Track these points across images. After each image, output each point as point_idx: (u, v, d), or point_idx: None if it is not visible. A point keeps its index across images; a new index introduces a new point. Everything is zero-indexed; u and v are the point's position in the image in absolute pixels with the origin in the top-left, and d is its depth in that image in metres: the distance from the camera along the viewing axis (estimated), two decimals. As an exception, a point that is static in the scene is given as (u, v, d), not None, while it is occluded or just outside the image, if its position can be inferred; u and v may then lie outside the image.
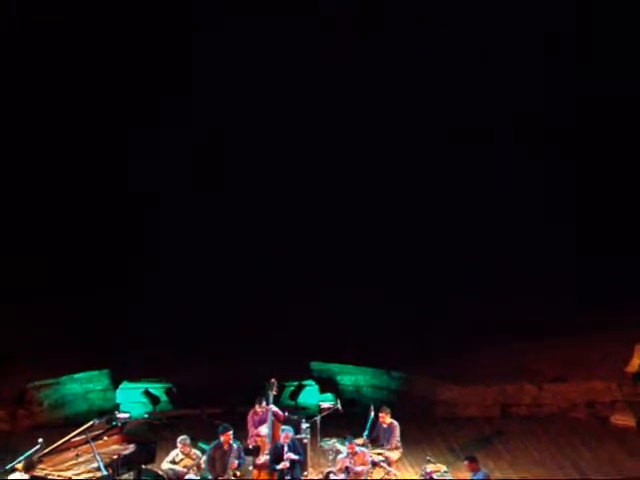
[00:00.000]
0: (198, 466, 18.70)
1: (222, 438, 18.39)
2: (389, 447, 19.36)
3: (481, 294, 27.74)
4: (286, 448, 18.38)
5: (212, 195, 29.31)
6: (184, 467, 18.67)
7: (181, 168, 29.19)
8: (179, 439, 18.95)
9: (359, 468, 18.16)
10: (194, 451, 18.90)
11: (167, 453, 19.13)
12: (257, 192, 29.39)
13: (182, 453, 18.81)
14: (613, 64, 28.94)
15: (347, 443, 18.40)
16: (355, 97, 29.14)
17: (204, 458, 18.68)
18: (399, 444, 19.57)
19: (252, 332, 25.97)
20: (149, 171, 28.73)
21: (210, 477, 18.37)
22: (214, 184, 29.31)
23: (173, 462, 18.76)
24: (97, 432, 18.83)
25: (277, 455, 18.44)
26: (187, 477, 18.54)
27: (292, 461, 18.32)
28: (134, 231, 28.89)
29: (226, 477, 18.09)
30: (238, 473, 18.31)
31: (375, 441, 19.51)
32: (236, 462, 18.24)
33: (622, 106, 29.01)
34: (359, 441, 18.99)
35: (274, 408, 19.62)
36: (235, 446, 18.39)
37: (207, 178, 29.29)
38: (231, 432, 18.49)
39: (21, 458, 17.73)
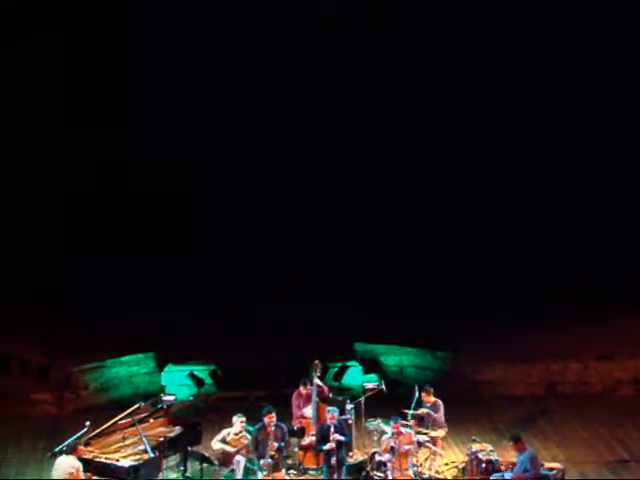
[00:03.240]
0: (247, 448, 18.75)
1: (265, 420, 18.45)
2: (440, 421, 19.33)
3: (524, 271, 27.57)
4: (332, 429, 18.40)
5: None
6: (234, 447, 18.72)
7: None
8: (237, 417, 18.91)
9: (405, 448, 18.15)
10: (244, 433, 18.94)
11: (213, 435, 19.19)
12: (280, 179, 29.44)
13: (234, 433, 18.82)
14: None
15: (392, 423, 18.39)
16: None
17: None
18: (444, 423, 19.54)
19: (295, 313, 25.97)
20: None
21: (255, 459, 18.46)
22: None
23: (224, 441, 18.78)
24: (143, 415, 18.98)
25: (323, 436, 18.48)
26: (235, 458, 18.61)
27: (338, 442, 18.35)
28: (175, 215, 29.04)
29: (267, 458, 18.14)
30: (275, 455, 18.29)
31: (420, 421, 19.48)
32: (275, 444, 18.28)
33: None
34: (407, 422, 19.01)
35: (318, 382, 19.62)
36: (277, 427, 18.43)
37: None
38: (274, 414, 18.53)
39: (69, 441, 17.91)
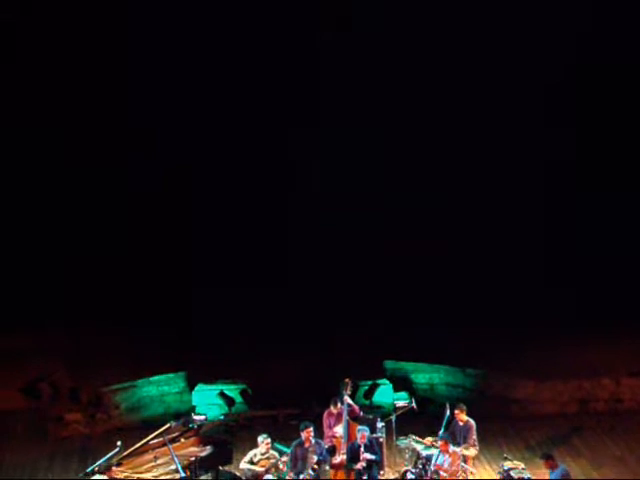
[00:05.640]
0: (276, 467, 18.75)
1: (303, 435, 18.48)
2: (466, 445, 19.23)
3: (555, 287, 27.45)
4: (362, 448, 18.37)
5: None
6: (262, 467, 18.73)
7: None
8: (261, 437, 18.98)
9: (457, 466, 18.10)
10: (272, 452, 18.96)
11: (244, 454, 19.22)
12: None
13: (261, 454, 18.85)
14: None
15: (440, 441, 18.30)
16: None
17: (283, 458, 18.75)
18: (476, 442, 19.44)
19: (326, 332, 25.98)
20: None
21: (288, 477, 18.42)
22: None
23: (251, 462, 18.82)
24: (174, 434, 18.99)
25: (354, 455, 18.46)
26: (265, 478, 18.61)
27: (369, 461, 18.31)
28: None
29: (306, 474, 18.14)
30: (316, 467, 18.33)
31: (451, 439, 19.37)
32: (315, 458, 18.29)
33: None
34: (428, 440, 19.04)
35: (349, 400, 19.61)
36: (315, 442, 18.47)
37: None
38: (312, 429, 18.57)
39: (101, 461, 17.97)
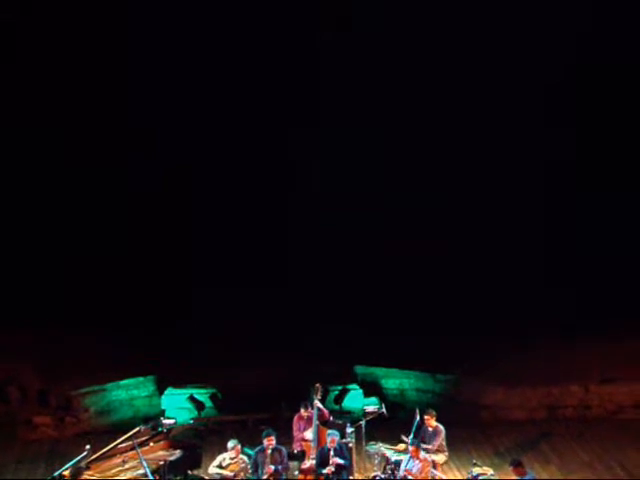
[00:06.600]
0: (245, 471, 18.73)
1: (265, 442, 18.44)
2: (434, 450, 19.26)
3: (524, 294, 27.53)
4: (332, 452, 18.37)
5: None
6: (231, 472, 18.70)
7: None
8: (231, 443, 18.94)
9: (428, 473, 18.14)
10: (241, 456, 18.93)
11: (213, 458, 19.17)
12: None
13: (230, 458, 18.83)
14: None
15: (410, 447, 18.29)
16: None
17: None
18: (445, 448, 19.48)
19: (295, 337, 25.96)
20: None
21: (255, 482, 18.43)
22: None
23: (220, 466, 18.80)
24: (143, 438, 18.96)
25: (323, 459, 18.45)
26: (233, 482, 18.60)
27: (338, 466, 18.30)
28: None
29: None
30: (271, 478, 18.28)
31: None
32: (272, 467, 18.26)
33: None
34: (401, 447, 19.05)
35: (319, 405, 19.60)
36: (275, 451, 18.42)
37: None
38: (273, 437, 18.51)
39: (69, 464, 17.89)
